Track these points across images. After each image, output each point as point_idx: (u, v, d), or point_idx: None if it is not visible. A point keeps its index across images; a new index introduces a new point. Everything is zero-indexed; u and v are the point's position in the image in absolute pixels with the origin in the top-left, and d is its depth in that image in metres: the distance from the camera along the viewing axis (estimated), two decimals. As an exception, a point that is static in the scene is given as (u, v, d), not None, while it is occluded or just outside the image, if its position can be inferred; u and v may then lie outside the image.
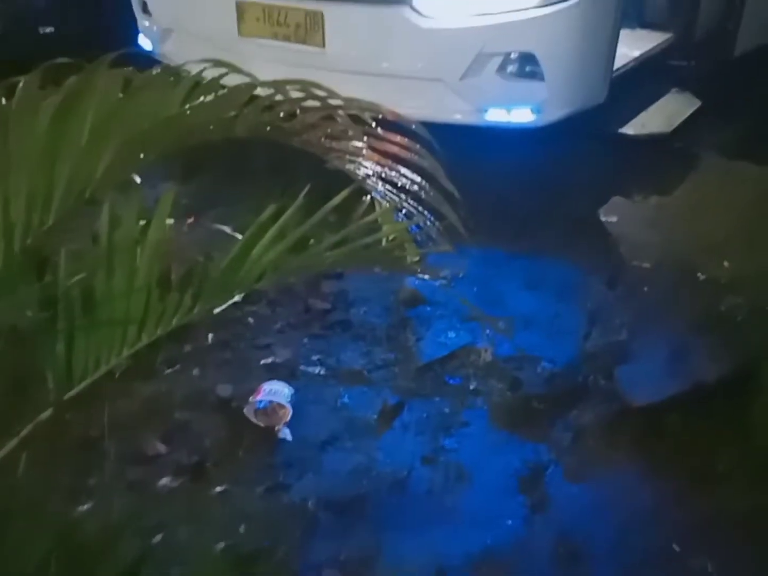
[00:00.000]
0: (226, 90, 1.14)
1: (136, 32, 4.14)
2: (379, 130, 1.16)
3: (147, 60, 4.10)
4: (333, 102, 1.10)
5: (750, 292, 2.71)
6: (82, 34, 4.83)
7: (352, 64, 3.36)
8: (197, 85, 1.13)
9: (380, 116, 1.14)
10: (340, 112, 1.14)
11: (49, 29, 4.93)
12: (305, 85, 1.06)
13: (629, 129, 3.50)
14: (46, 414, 1.02)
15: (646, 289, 2.74)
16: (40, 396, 1.04)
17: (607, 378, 2.36)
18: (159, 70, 1.17)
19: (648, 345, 2.45)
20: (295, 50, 3.45)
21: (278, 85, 1.13)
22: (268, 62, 3.58)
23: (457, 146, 3.27)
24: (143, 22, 4.09)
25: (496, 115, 3.23)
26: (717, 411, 2.19)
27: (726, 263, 2.89)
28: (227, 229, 1.26)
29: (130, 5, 4.11)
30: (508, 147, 3.29)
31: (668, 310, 2.59)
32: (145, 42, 4.12)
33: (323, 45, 3.36)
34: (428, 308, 2.68)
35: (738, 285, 2.76)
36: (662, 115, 3.61)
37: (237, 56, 3.68)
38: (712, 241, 2.97)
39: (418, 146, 1.17)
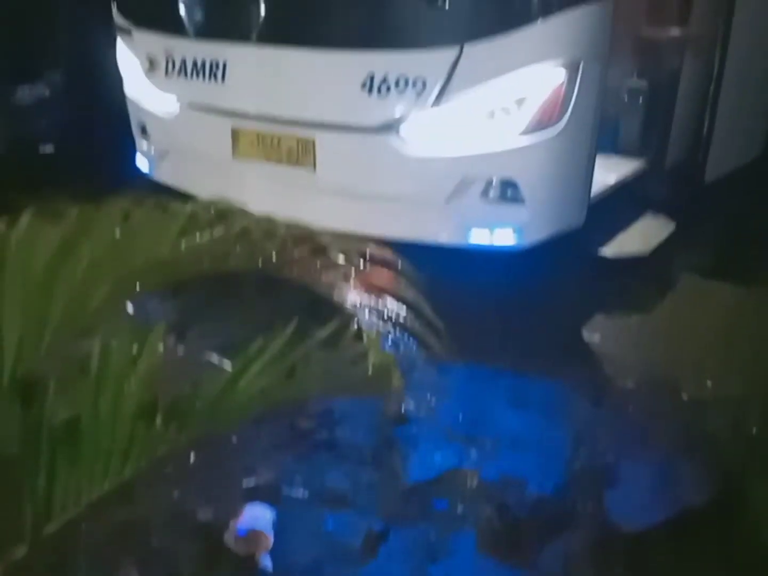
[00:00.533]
0: (219, 225, 1.19)
1: (134, 153, 4.31)
2: (366, 263, 1.21)
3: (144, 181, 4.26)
4: (323, 237, 1.15)
5: (733, 412, 2.74)
6: (81, 154, 5.03)
7: (341, 187, 3.51)
8: (192, 218, 1.18)
9: (367, 251, 1.19)
10: (330, 245, 1.19)
11: (49, 149, 5.11)
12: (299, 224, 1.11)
13: (608, 250, 3.63)
14: (21, 552, 0.99)
15: (630, 408, 2.76)
16: (14, 532, 1.02)
17: (595, 502, 2.33)
18: (155, 205, 1.23)
19: (635, 468, 2.44)
20: (287, 172, 3.59)
21: (271, 223, 1.18)
22: (260, 183, 3.75)
23: (443, 266, 3.38)
24: (141, 143, 4.27)
25: (480, 237, 3.35)
26: (705, 534, 2.16)
27: (709, 382, 2.93)
28: (215, 355, 1.28)
29: (129, 127, 4.30)
30: (492, 267, 3.37)
31: (654, 430, 2.60)
32: (142, 162, 4.29)
33: (314, 168, 3.50)
34: (414, 427, 2.67)
35: (721, 405, 2.78)
36: (639, 238, 3.75)
37: (231, 177, 3.89)
38: (693, 359, 3.02)
39: (402, 279, 1.22)
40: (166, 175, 4.17)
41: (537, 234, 3.35)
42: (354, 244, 1.12)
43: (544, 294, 3.47)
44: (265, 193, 3.77)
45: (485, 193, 3.28)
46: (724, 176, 4.07)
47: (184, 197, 3.89)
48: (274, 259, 1.11)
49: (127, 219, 1.13)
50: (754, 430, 2.70)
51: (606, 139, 3.92)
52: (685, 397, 2.81)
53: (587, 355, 3.14)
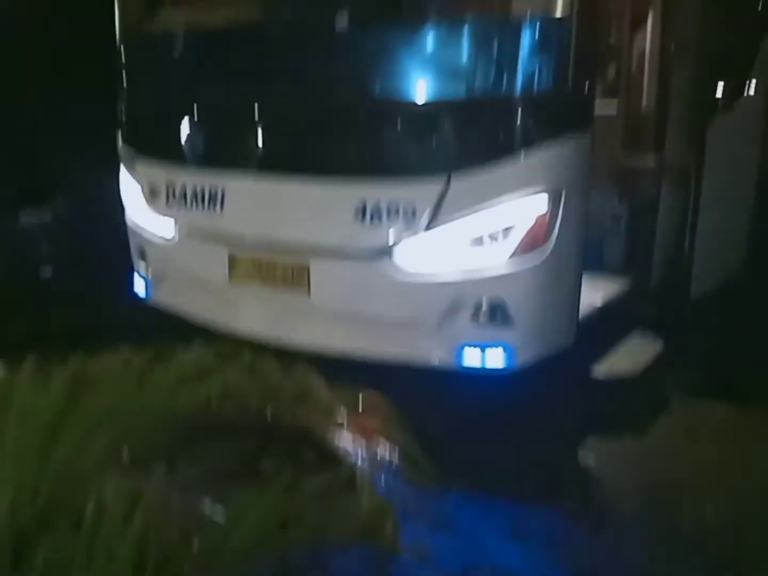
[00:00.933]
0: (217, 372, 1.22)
1: (132, 277, 4.40)
2: (358, 410, 1.24)
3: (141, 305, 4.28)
4: (317, 387, 1.18)
5: (735, 539, 2.69)
6: (80, 277, 5.12)
7: (335, 311, 3.57)
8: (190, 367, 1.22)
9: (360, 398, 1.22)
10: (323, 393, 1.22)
11: (47, 271, 5.21)
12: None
13: (598, 371, 3.66)
14: None
15: (629, 537, 2.70)
16: None
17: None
18: (154, 353, 1.26)
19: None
20: (282, 296, 3.66)
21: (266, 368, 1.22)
22: (256, 307, 3.82)
23: (435, 389, 3.39)
24: (139, 268, 4.36)
25: (471, 360, 3.38)
26: None
27: (707, 507, 2.89)
28: (208, 503, 1.27)
29: (128, 252, 4.41)
30: (484, 390, 3.39)
31: (654, 561, 2.54)
32: (139, 287, 4.37)
33: (308, 293, 3.58)
34: (409, 560, 2.59)
35: (722, 531, 2.74)
36: (628, 358, 3.79)
37: (227, 301, 3.95)
38: (690, 484, 2.99)
39: (392, 423, 1.24)
40: (163, 299, 4.24)
41: (528, 356, 3.38)
42: (346, 392, 1.14)
43: (537, 416, 3.47)
44: (261, 317, 3.84)
45: (475, 315, 3.34)
46: (709, 293, 4.17)
47: (181, 322, 4.00)
48: (268, 407, 1.14)
49: (127, 367, 1.16)
50: (755, 554, 2.64)
51: (592, 260, 4.07)
52: (684, 523, 2.76)
53: (583, 479, 3.10)
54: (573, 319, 3.51)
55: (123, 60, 4.21)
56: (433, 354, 3.45)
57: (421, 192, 3.21)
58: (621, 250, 4.08)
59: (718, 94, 4.27)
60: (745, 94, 4.43)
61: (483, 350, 3.35)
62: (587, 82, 3.19)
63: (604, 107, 4.00)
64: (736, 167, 4.38)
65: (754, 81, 4.48)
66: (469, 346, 3.35)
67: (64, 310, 4.98)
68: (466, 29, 3.12)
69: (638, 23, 3.92)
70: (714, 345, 3.95)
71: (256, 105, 3.55)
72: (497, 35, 3.10)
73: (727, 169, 4.22)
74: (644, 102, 3.96)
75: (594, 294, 3.85)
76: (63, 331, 4.72)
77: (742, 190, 4.49)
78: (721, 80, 4.29)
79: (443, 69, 3.20)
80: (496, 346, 3.34)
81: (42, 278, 5.22)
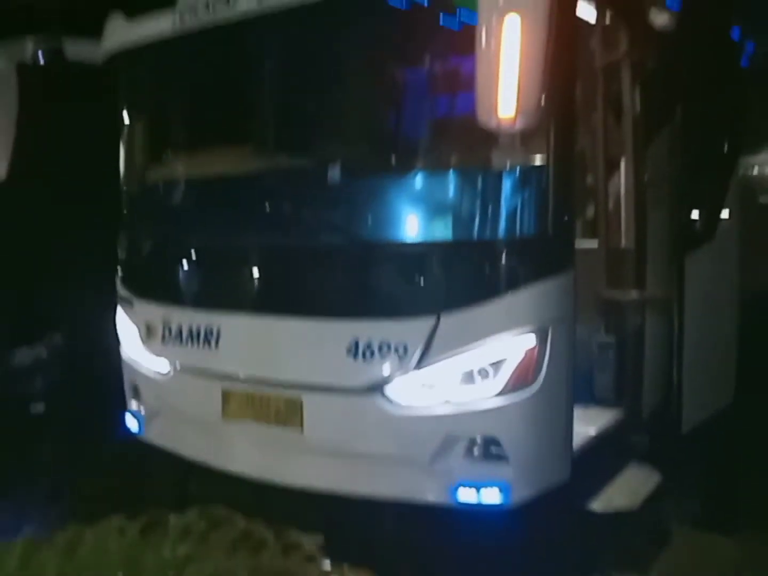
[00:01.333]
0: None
1: (123, 413, 4.40)
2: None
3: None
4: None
5: None
6: (72, 414, 5.11)
7: (328, 446, 3.56)
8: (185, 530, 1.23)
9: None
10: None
11: (39, 406, 5.19)
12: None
13: (596, 505, 3.60)
14: None
15: None
16: None
17: None
18: (148, 521, 1.28)
19: None
20: (275, 433, 3.66)
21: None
22: (248, 444, 3.80)
23: (430, 526, 3.32)
24: (132, 404, 4.37)
25: (466, 496, 3.33)
26: None
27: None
28: None
29: (121, 388, 4.42)
30: (479, 526, 3.33)
31: None
32: (132, 423, 4.35)
33: (301, 428, 3.58)
34: None
35: None
36: (626, 490, 3.74)
37: (220, 438, 3.94)
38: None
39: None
40: (155, 436, 4.23)
41: (524, 491, 3.34)
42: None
43: (535, 553, 3.39)
44: (254, 454, 3.82)
45: (469, 451, 3.33)
46: (701, 423, 4.18)
47: (173, 458, 3.97)
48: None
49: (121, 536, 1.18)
50: None
51: (583, 390, 4.10)
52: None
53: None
54: (567, 453, 3.49)
55: (124, 206, 4.43)
56: (427, 491, 3.41)
57: (412, 330, 3.29)
58: (611, 382, 4.10)
59: (694, 225, 4.47)
60: (720, 222, 4.64)
61: (478, 487, 3.31)
62: (566, 224, 3.35)
63: (586, 242, 4.19)
64: (718, 295, 4.51)
65: (727, 210, 4.71)
66: (464, 483, 3.32)
67: (54, 446, 4.95)
68: (450, 179, 3.33)
69: (613, 165, 4.16)
70: (709, 475, 3.92)
71: (249, 248, 3.71)
72: (480, 184, 3.30)
73: (709, 297, 4.35)
74: (623, 237, 4.13)
75: (587, 424, 3.85)
76: (51, 470, 4.69)
77: (726, 317, 4.60)
78: (695, 212, 4.51)
79: (430, 215, 3.39)
80: (492, 483, 3.31)
81: (33, 415, 5.20)
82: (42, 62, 4.09)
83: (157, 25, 3.93)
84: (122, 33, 4.15)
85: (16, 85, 4.04)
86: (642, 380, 4.05)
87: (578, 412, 3.64)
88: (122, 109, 4.42)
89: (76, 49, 4.23)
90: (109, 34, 4.23)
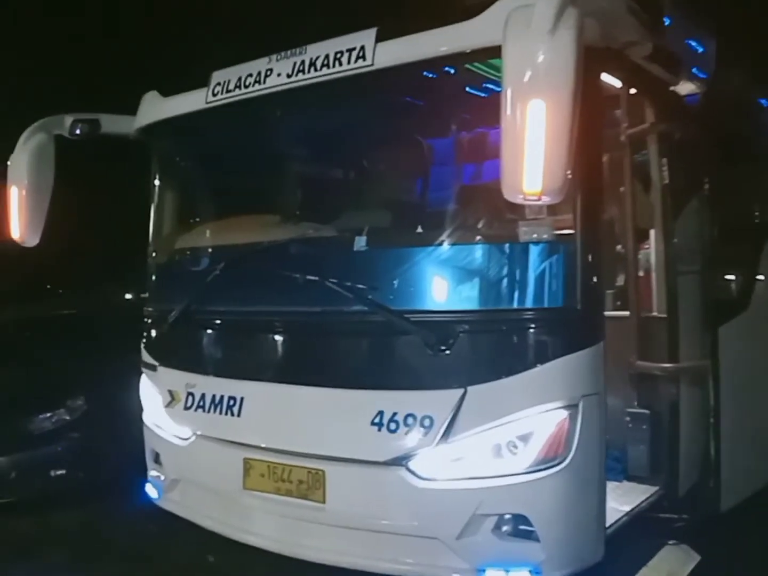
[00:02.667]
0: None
1: (144, 482, 4.34)
2: None
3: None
4: None
5: None
6: (92, 479, 5.07)
7: (351, 520, 3.46)
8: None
9: None
10: None
11: (60, 471, 5.17)
12: None
13: (632, 588, 3.44)
14: None
15: None
16: None
17: None
18: None
19: None
20: (297, 505, 3.56)
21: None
22: (269, 516, 3.71)
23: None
24: (152, 471, 4.32)
25: (495, 576, 3.21)
26: None
27: None
28: None
29: (142, 454, 4.38)
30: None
31: None
32: (151, 490, 4.29)
33: (324, 501, 3.48)
34: None
35: None
36: (663, 571, 3.59)
37: (240, 508, 3.86)
38: None
39: None
40: (173, 505, 4.16)
41: (555, 573, 3.20)
42: None
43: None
44: (273, 527, 3.73)
45: (497, 529, 3.21)
46: (741, 502, 4.00)
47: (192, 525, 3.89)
48: None
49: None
50: None
51: (615, 464, 3.97)
52: None
53: None
54: (600, 532, 3.35)
55: (150, 273, 4.48)
56: (453, 570, 3.28)
57: (438, 402, 3.22)
58: (645, 457, 3.96)
59: (727, 292, 4.39)
60: (755, 289, 4.54)
61: (507, 569, 3.18)
62: (596, 295, 3.31)
63: (617, 312, 4.12)
64: (756, 364, 4.38)
65: (762, 275, 4.63)
66: (492, 564, 3.18)
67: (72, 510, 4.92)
68: (478, 251, 3.31)
69: (642, 234, 4.12)
70: (752, 557, 3.73)
71: (274, 318, 3.70)
72: (508, 256, 3.28)
73: (746, 366, 4.22)
74: (654, 306, 4.06)
75: (620, 504, 3.71)
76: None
77: (767, 386, 4.45)
78: (728, 279, 4.43)
79: (458, 287, 3.36)
80: (521, 565, 3.17)
81: (52, 479, 5.18)
82: (78, 134, 4.22)
83: (190, 101, 4.05)
84: (157, 107, 4.29)
85: (53, 155, 4.16)
86: (678, 455, 3.90)
87: (611, 489, 3.52)
88: (153, 179, 4.53)
89: (111, 123, 4.38)
90: (145, 108, 4.37)
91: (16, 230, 4.19)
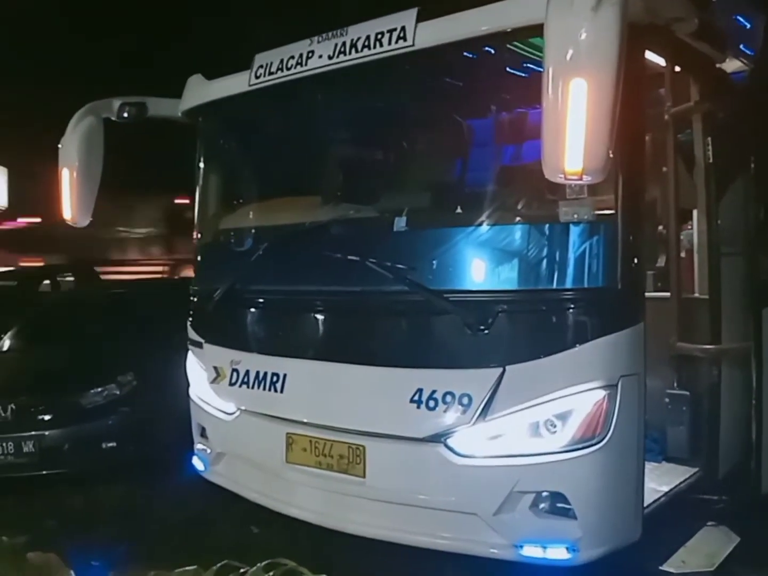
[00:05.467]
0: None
1: (191, 454, 4.49)
2: None
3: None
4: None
5: None
6: (142, 451, 5.25)
7: (390, 495, 3.53)
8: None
9: None
10: None
11: (111, 444, 5.37)
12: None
13: (670, 567, 3.45)
14: None
15: None
16: None
17: None
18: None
19: None
20: (337, 479, 3.65)
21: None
22: (310, 489, 3.81)
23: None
24: (199, 445, 4.46)
25: (532, 551, 3.24)
26: None
27: None
28: None
29: (189, 428, 4.52)
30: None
31: None
32: (198, 463, 4.44)
33: (364, 476, 3.57)
34: None
35: None
36: (702, 552, 3.57)
37: (282, 481, 3.97)
38: None
39: None
40: (219, 478, 4.29)
41: (592, 550, 3.22)
42: None
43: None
44: (314, 500, 3.82)
45: (535, 506, 3.25)
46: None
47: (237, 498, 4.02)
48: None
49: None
50: None
51: (654, 445, 3.96)
52: None
53: None
54: (638, 511, 3.36)
55: (197, 253, 4.59)
56: (491, 545, 3.33)
57: (477, 381, 3.26)
58: (685, 438, 3.95)
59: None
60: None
61: (544, 545, 3.22)
62: (636, 276, 3.29)
63: (658, 293, 4.09)
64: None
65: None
66: (529, 540, 3.23)
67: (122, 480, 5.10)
68: (519, 231, 3.32)
69: (685, 215, 4.07)
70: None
71: (317, 297, 3.77)
72: (548, 236, 3.28)
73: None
74: (696, 287, 4.02)
75: (659, 484, 3.71)
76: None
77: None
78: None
79: (498, 267, 3.37)
80: (558, 541, 3.21)
81: (103, 450, 5.38)
82: (126, 117, 4.33)
83: (233, 83, 4.13)
84: (201, 90, 4.38)
85: (102, 138, 4.27)
86: (718, 436, 3.88)
87: (650, 469, 3.52)
88: (198, 161, 4.62)
89: (157, 106, 4.49)
90: (190, 91, 4.46)
91: (68, 211, 4.32)
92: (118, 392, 5.46)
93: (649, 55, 3.51)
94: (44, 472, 5.27)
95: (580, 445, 3.17)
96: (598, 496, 3.23)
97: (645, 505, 3.42)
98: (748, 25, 4.19)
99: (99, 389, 5.43)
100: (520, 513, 3.27)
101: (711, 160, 3.91)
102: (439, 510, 3.42)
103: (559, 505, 3.23)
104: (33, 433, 5.27)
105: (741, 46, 4.04)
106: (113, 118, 4.41)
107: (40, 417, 5.34)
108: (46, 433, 5.30)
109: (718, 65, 3.93)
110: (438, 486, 3.43)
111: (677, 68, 3.87)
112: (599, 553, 3.23)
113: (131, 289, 7.96)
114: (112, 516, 4.84)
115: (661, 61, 3.75)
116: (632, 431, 3.27)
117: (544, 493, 3.25)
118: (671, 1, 3.20)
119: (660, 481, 3.77)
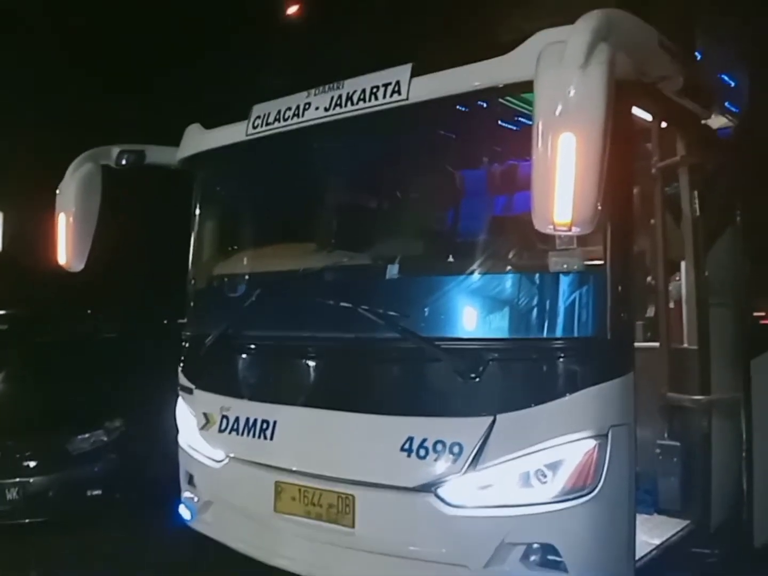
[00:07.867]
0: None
1: (177, 503, 4.42)
2: None
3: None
4: None
5: None
6: (127, 499, 5.17)
7: (379, 546, 3.48)
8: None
9: None
10: None
11: (96, 492, 5.29)
12: None
13: (662, 623, 3.39)
14: None
15: None
16: None
17: None
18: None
19: None
20: (327, 529, 3.60)
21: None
22: (299, 539, 3.75)
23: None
24: (186, 493, 4.39)
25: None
26: None
27: None
28: None
29: (176, 477, 4.46)
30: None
31: None
32: (185, 512, 4.36)
33: (353, 525, 3.52)
34: None
35: None
36: (695, 607, 3.52)
37: (271, 531, 3.91)
38: None
39: None
40: (206, 527, 4.22)
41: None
42: None
43: None
44: (303, 550, 3.76)
45: (526, 558, 3.21)
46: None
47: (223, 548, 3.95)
48: None
49: None
50: None
51: (646, 497, 3.93)
52: None
53: None
54: (629, 565, 3.32)
55: (189, 300, 4.61)
56: (482, 599, 3.27)
57: (467, 430, 3.25)
58: (676, 489, 3.92)
59: (759, 325, 4.35)
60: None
61: (535, 601, 3.17)
62: (626, 326, 3.31)
63: (647, 343, 4.11)
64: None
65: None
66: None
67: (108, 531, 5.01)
68: (509, 280, 3.38)
69: (673, 266, 4.12)
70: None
71: (307, 344, 3.78)
72: (538, 286, 3.33)
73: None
74: (685, 338, 4.05)
75: (650, 536, 3.67)
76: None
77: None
78: (761, 311, 4.39)
79: (488, 315, 3.42)
80: (549, 597, 3.16)
81: (88, 498, 5.30)
82: (124, 164, 4.40)
83: (231, 133, 4.20)
84: (199, 139, 4.46)
85: (101, 185, 4.33)
86: (710, 488, 3.85)
87: (641, 521, 3.49)
88: (194, 208, 4.68)
89: (155, 154, 4.56)
90: (188, 139, 4.55)
91: (62, 256, 4.34)
92: (105, 438, 5.40)
93: (637, 111, 3.61)
94: (27, 521, 5.17)
95: (570, 496, 3.15)
96: (589, 548, 3.20)
97: (637, 557, 3.38)
98: (733, 84, 4.32)
99: (86, 435, 5.38)
100: (511, 565, 3.22)
101: (698, 213, 3.99)
102: (429, 561, 3.38)
103: (550, 557, 3.19)
104: (17, 479, 5.20)
105: (726, 104, 4.16)
106: (112, 165, 4.47)
107: (26, 463, 5.28)
108: (31, 480, 5.23)
109: (703, 121, 4.03)
110: (428, 537, 3.39)
111: (664, 124, 3.97)
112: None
113: (122, 333, 7.94)
114: (95, 561, 4.74)
115: (648, 117, 3.85)
116: (623, 482, 3.25)
117: (535, 545, 3.21)
118: (658, 60, 3.30)
119: (652, 533, 3.73)
